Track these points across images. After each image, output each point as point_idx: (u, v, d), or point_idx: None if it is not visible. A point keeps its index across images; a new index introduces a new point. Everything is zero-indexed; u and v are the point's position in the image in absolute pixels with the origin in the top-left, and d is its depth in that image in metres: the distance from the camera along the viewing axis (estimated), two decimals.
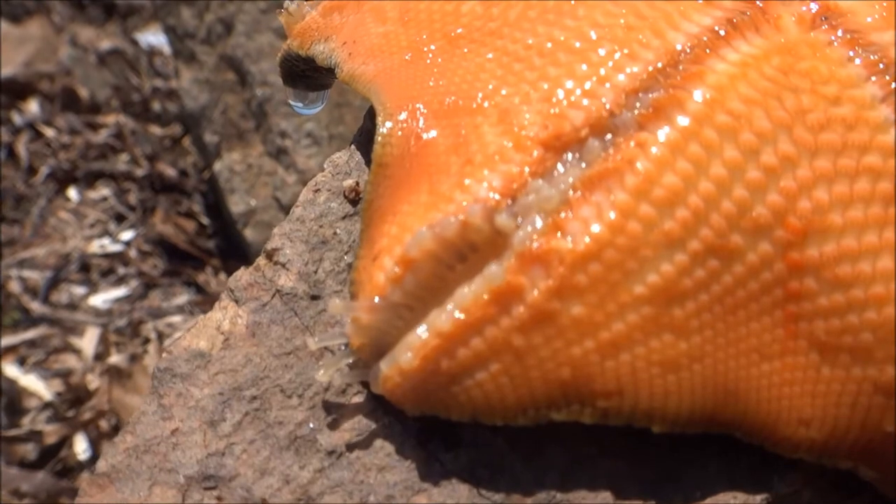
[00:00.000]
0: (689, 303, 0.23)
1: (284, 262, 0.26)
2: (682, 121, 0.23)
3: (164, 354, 0.25)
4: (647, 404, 0.23)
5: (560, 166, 0.23)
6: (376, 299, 0.23)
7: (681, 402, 0.23)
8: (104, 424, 0.65)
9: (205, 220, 0.75)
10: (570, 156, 0.23)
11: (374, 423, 0.24)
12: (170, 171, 0.78)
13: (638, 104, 0.23)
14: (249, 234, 0.67)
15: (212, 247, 0.75)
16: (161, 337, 0.69)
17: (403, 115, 0.25)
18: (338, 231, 0.27)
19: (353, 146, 0.29)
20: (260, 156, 0.67)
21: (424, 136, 0.25)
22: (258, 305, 0.26)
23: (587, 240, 0.22)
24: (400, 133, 0.25)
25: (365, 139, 0.28)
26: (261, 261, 0.26)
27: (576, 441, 0.24)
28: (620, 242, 0.22)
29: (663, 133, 0.23)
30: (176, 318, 0.70)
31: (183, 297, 0.71)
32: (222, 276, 0.73)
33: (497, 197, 0.23)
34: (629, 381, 0.23)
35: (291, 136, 0.65)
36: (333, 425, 0.24)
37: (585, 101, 0.24)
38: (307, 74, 0.29)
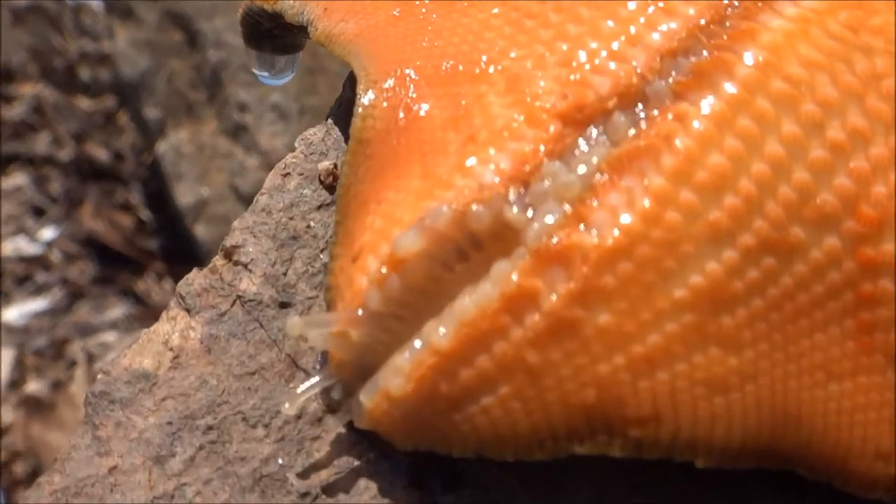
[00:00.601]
0: (740, 309, 0.23)
1: (247, 263, 0.27)
2: (730, 89, 0.24)
3: (99, 376, 0.25)
4: (689, 433, 0.23)
5: (582, 144, 0.24)
6: (359, 310, 0.24)
7: (730, 429, 0.23)
8: (19, 469, 0.65)
9: (145, 215, 0.76)
10: (594, 131, 0.24)
11: (356, 458, 0.25)
12: (101, 154, 0.79)
13: (676, 69, 0.24)
14: (201, 231, 0.68)
15: (154, 247, 0.75)
16: (91, 359, 0.70)
17: (390, 83, 0.26)
18: (312, 224, 0.27)
19: (329, 120, 0.29)
20: (213, 134, 0.68)
21: (416, 107, 0.25)
22: (215, 315, 0.26)
23: (616, 233, 0.23)
24: (385, 104, 0.26)
25: (344, 112, 0.28)
26: (218, 261, 0.27)
27: (603, 479, 0.24)
28: (656, 236, 0.23)
29: (707, 104, 0.23)
30: (109, 337, 0.70)
31: (118, 310, 0.72)
32: (167, 283, 0.73)
33: (506, 182, 0.23)
34: (668, 405, 0.23)
35: (253, 110, 0.66)
36: (307, 462, 0.25)
37: (612, 66, 0.24)
38: (274, 34, 0.30)
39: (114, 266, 0.74)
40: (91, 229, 0.75)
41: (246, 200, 0.62)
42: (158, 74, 0.70)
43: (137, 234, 0.75)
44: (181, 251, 0.73)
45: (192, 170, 0.68)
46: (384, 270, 0.24)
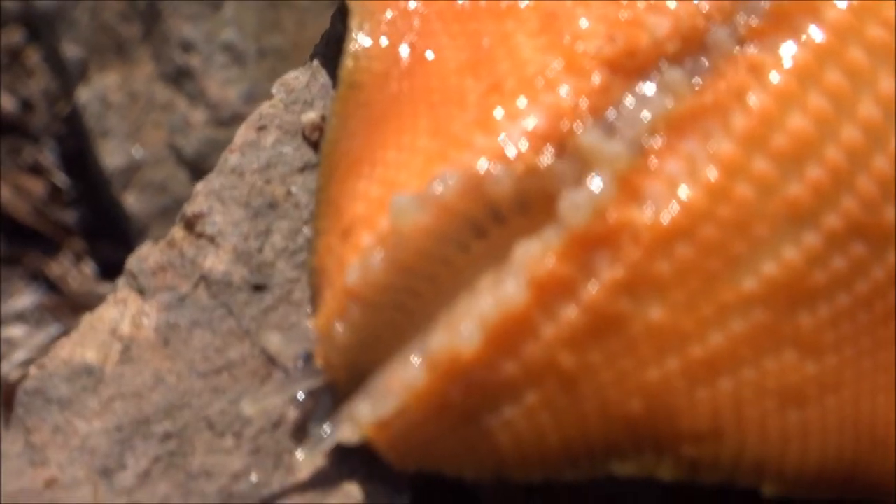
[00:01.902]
0: (822, 306, 0.23)
1: (213, 235, 0.27)
2: (816, 35, 0.24)
3: (32, 370, 0.26)
4: (756, 453, 0.24)
5: (633, 99, 0.24)
6: (349, 299, 0.24)
7: (806, 450, 0.24)
8: None
9: (60, 180, 0.75)
10: (648, 84, 0.24)
11: (346, 479, 0.25)
12: (5, 103, 0.78)
13: (749, 10, 0.24)
14: (132, 201, 0.67)
15: (72, 221, 0.74)
16: None
17: (390, 14, 0.26)
18: (293, 189, 0.27)
19: (315, 62, 0.29)
20: (150, 80, 0.67)
21: (424, 46, 0.25)
22: (174, 299, 0.26)
23: (674, 209, 0.23)
24: (385, 41, 0.26)
25: (333, 51, 0.28)
26: (177, 233, 0.27)
27: None
28: (723, 214, 0.23)
29: (788, 52, 0.24)
30: (16, 331, 0.70)
31: (26, 299, 0.71)
32: (88, 265, 0.73)
33: (538, 142, 0.23)
34: (730, 419, 0.23)
35: (199, 50, 0.65)
36: (286, 480, 0.25)
37: (672, 3, 0.24)
38: None
39: (21, 243, 0.73)
40: None
41: (190, 164, 0.61)
42: (80, 2, 0.70)
43: (51, 203, 0.75)
44: (106, 226, 0.72)
45: (121, 124, 0.68)
46: (381, 251, 0.24)
